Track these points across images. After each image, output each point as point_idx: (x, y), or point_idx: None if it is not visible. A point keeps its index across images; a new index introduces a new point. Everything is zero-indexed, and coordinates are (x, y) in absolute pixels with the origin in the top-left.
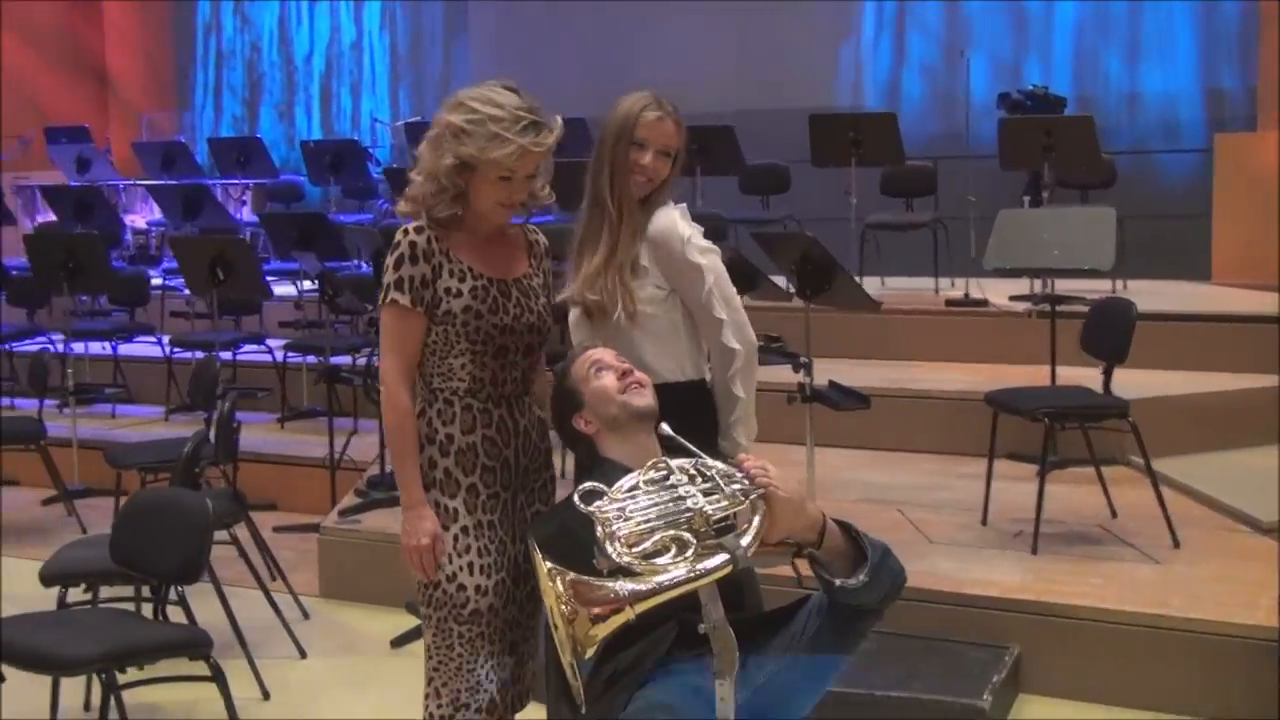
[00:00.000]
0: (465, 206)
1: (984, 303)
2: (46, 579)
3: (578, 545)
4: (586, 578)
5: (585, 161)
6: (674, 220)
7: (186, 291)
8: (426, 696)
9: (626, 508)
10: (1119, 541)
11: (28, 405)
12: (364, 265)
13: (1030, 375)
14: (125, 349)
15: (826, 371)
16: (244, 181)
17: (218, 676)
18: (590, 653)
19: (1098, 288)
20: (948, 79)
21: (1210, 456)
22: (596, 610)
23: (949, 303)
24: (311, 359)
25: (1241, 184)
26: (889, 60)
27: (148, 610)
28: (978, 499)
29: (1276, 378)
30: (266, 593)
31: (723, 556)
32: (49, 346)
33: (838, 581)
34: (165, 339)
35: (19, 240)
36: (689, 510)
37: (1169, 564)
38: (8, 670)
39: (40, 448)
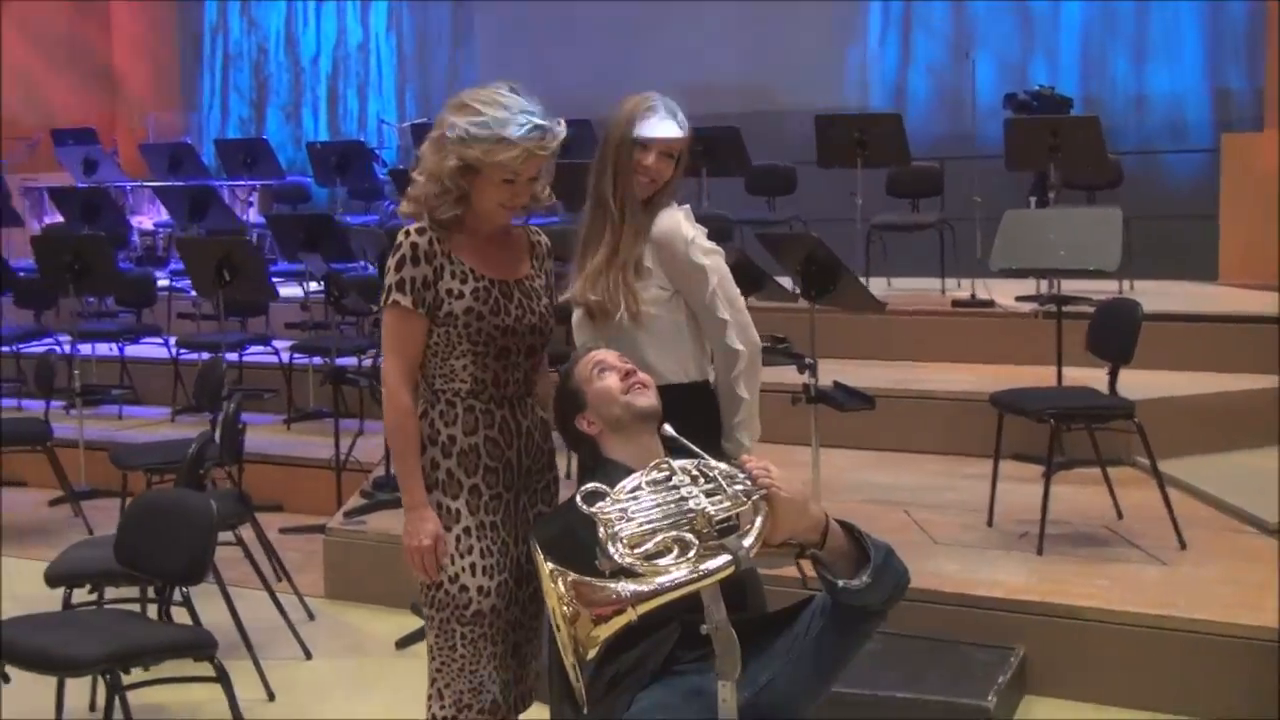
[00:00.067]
0: (467, 208)
1: (990, 303)
2: (51, 580)
3: (580, 546)
4: (588, 579)
5: (590, 163)
6: (678, 221)
7: (193, 293)
8: (429, 698)
9: (629, 509)
10: (1125, 542)
11: (34, 406)
12: (370, 266)
13: (1036, 376)
14: (132, 350)
15: (832, 372)
16: (250, 183)
17: (222, 677)
18: (592, 654)
19: (1104, 288)
20: (954, 80)
21: (1216, 457)
22: (598, 611)
23: (955, 303)
24: (317, 360)
25: (1248, 184)
26: (895, 61)
27: (153, 611)
28: (983, 500)
29: (1278, 378)
30: (272, 594)
31: (725, 557)
32: (56, 348)
33: (841, 582)
34: (172, 340)
35: (26, 242)
36: (691, 511)
37: (1175, 565)
38: (12, 671)
39: (47, 449)
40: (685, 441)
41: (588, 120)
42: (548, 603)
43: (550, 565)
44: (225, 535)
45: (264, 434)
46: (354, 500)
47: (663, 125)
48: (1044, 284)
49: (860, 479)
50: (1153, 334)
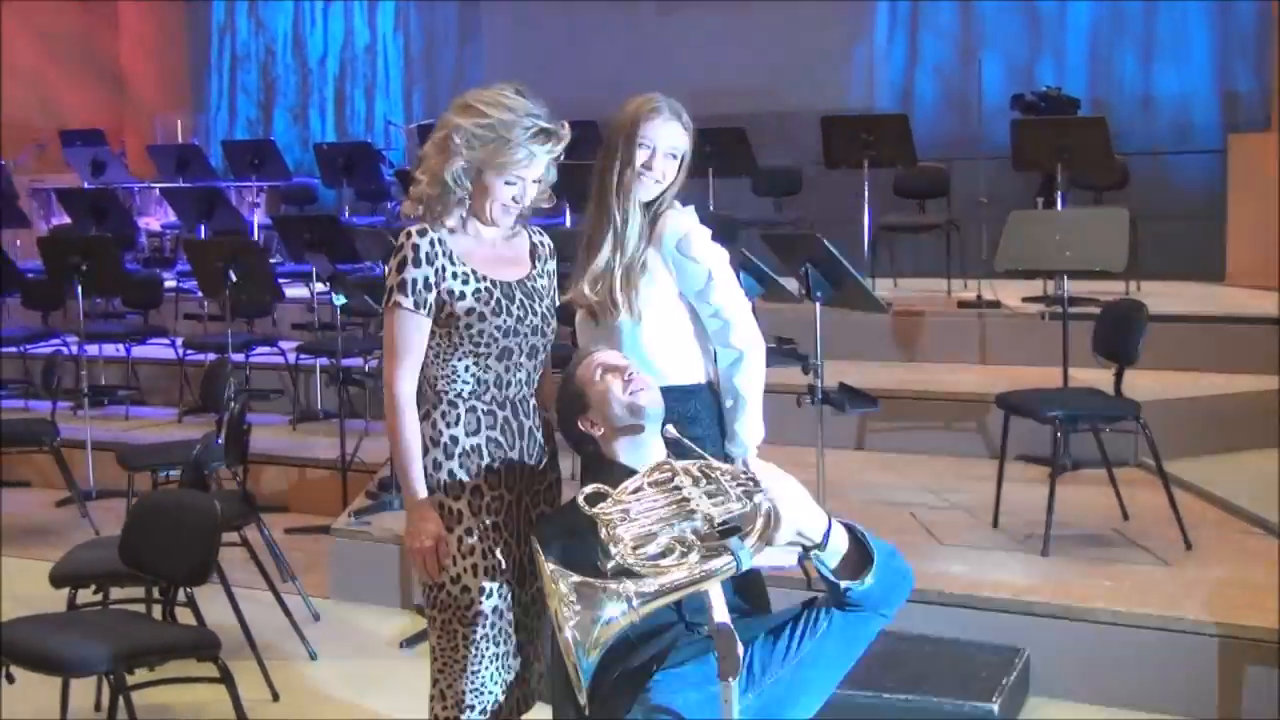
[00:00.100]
0: (471, 209)
1: (996, 304)
2: (56, 580)
3: (583, 547)
4: (590, 579)
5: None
6: (681, 222)
7: (200, 294)
8: (432, 698)
9: (631, 509)
10: (1130, 544)
11: (41, 407)
12: (376, 267)
13: (1043, 377)
14: (139, 351)
15: (838, 373)
16: (258, 184)
17: (226, 678)
18: (594, 655)
19: (1111, 289)
20: (961, 80)
21: (1222, 458)
22: (599, 612)
23: (961, 304)
24: (324, 361)
25: (1256, 185)
26: (902, 62)
27: (158, 612)
28: (989, 501)
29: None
30: (277, 594)
31: (727, 558)
32: (63, 349)
33: (844, 584)
34: (178, 341)
35: (34, 243)
36: (693, 512)
37: (1181, 566)
38: (17, 671)
39: (53, 449)
40: (688, 442)
41: (594, 121)
42: (549, 604)
43: (551, 566)
44: (230, 536)
45: (270, 435)
46: (359, 501)
47: (666, 126)
48: (1050, 285)
49: (865, 480)
50: (1159, 335)
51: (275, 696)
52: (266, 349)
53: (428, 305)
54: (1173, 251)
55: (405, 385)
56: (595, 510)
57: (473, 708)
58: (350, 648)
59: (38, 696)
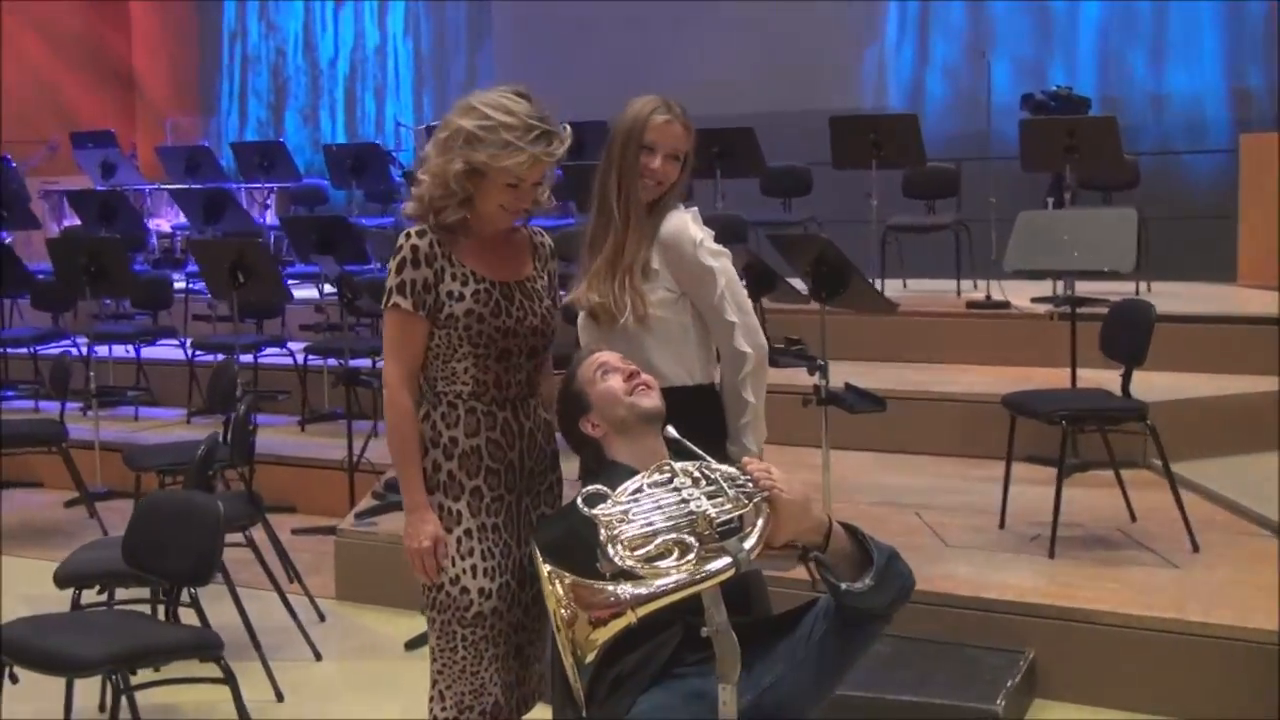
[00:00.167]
0: (471, 210)
1: (1005, 305)
2: (60, 580)
3: (583, 548)
4: (587, 581)
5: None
6: (685, 223)
7: (209, 295)
8: (431, 699)
9: (630, 511)
10: (1137, 545)
11: (50, 408)
12: (384, 268)
13: (1052, 377)
14: (148, 352)
15: (847, 373)
16: (267, 185)
17: (229, 678)
18: (590, 656)
19: (1122, 290)
20: (971, 80)
21: (1230, 460)
22: (597, 614)
23: (970, 305)
24: (332, 362)
25: (1267, 184)
26: (912, 61)
27: (162, 613)
28: (995, 502)
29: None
30: (282, 595)
31: (726, 560)
32: (72, 349)
33: (844, 585)
34: (188, 342)
35: (44, 245)
36: (693, 513)
37: (1187, 568)
38: (21, 672)
39: (62, 450)
40: (688, 444)
41: (604, 122)
42: (548, 605)
43: (549, 567)
44: (236, 537)
45: (278, 435)
46: (365, 502)
47: (668, 128)
48: (1060, 285)
49: (872, 481)
50: (1167, 335)
51: (280, 697)
52: (275, 350)
53: (426, 306)
54: (1184, 252)
55: (404, 386)
56: (594, 511)
57: (472, 709)
58: (355, 648)
59: (42, 697)
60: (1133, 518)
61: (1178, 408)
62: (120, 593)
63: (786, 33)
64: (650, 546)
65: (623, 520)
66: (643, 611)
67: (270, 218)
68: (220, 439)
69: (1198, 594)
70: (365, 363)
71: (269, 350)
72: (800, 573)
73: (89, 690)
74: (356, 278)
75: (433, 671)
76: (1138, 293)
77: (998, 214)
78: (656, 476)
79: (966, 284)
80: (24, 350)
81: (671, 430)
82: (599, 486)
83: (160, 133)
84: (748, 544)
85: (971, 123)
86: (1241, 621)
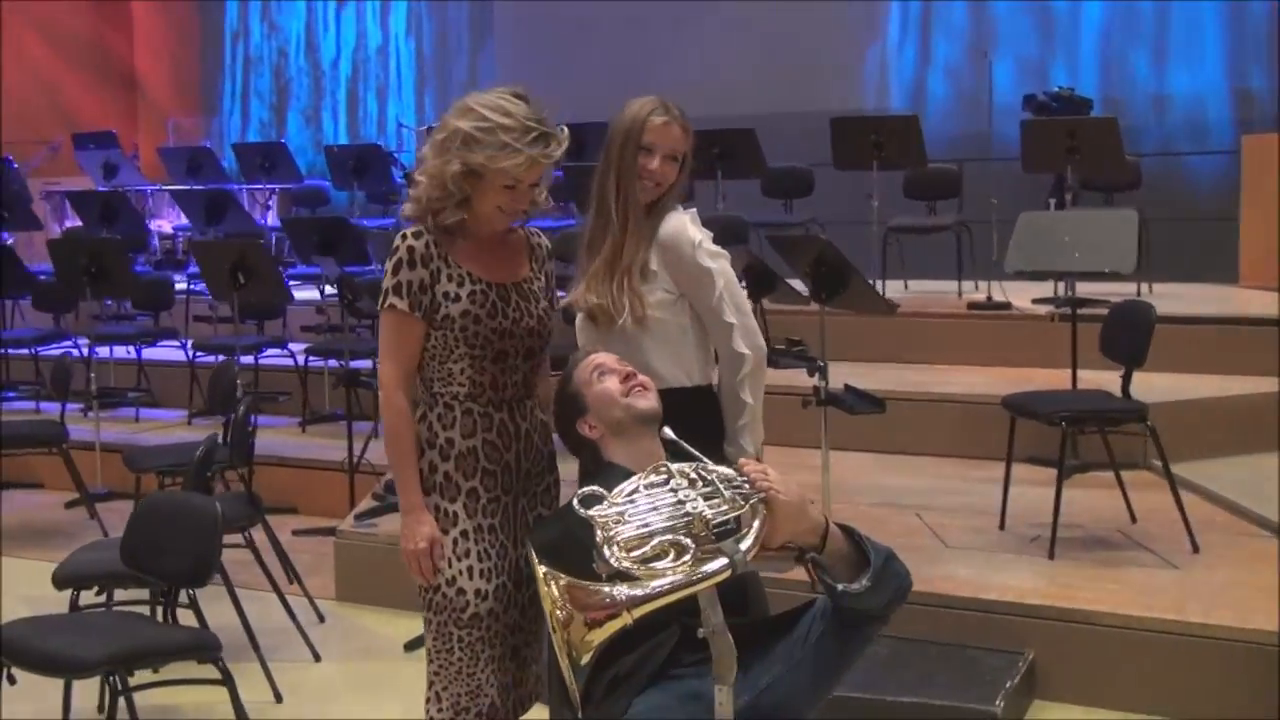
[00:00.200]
0: (469, 211)
1: (1006, 306)
2: (59, 581)
3: (579, 549)
4: (582, 582)
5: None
6: (684, 224)
7: (210, 296)
8: (428, 700)
9: (626, 512)
10: (1137, 546)
11: (51, 409)
12: (384, 270)
13: (1052, 378)
14: (149, 353)
15: (848, 375)
16: (269, 186)
17: (227, 679)
18: (586, 657)
19: (1123, 291)
20: (973, 80)
21: (1231, 460)
22: (592, 615)
23: (971, 306)
24: (332, 363)
25: (1269, 185)
26: (914, 62)
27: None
28: (995, 503)
29: (1277, 380)
30: (281, 596)
31: (722, 561)
32: (73, 350)
33: (840, 586)
34: (189, 343)
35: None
36: (689, 515)
37: (1187, 569)
38: (18, 673)
39: (62, 451)
40: (685, 445)
41: (604, 123)
42: (544, 606)
43: (544, 568)
44: (236, 538)
45: (279, 436)
46: (365, 503)
47: (666, 129)
48: (1061, 286)
49: (871, 482)
50: (1168, 336)
51: (278, 698)
52: (276, 351)
53: (423, 307)
54: (1185, 253)
55: (401, 387)
56: (590, 513)
57: (468, 710)
58: (354, 650)
59: (41, 698)
60: (1133, 519)
61: (1178, 409)
62: (119, 594)
63: (787, 33)
64: (646, 548)
65: (619, 521)
66: (639, 613)
67: (272, 219)
68: (220, 440)
69: (1198, 595)
70: (366, 364)
71: (270, 351)
72: (797, 574)
73: (87, 691)
74: (357, 279)
75: (429, 672)
76: (1139, 294)
77: (999, 215)
78: (653, 478)
79: (967, 285)
80: (25, 351)
81: (668, 431)
82: (595, 488)
83: (162, 133)
84: (744, 545)
85: (973, 123)
86: (1241, 622)
